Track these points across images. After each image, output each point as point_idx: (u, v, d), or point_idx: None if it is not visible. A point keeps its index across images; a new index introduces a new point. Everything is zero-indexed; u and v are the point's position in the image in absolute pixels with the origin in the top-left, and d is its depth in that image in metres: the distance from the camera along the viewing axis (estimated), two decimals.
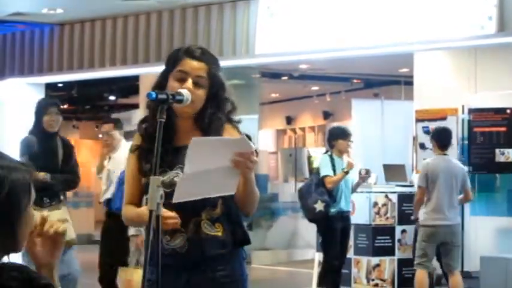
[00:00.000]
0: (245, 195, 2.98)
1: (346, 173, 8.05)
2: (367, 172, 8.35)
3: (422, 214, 7.65)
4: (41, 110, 6.72)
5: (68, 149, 6.98)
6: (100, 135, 8.06)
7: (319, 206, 7.92)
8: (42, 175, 6.45)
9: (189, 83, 3.03)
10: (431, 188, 7.56)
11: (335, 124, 8.83)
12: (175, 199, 2.81)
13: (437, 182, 7.54)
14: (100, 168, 8.14)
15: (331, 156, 8.12)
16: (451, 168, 7.67)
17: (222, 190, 2.91)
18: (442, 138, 7.75)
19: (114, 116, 17.36)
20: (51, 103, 6.86)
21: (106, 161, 8.01)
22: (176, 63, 3.08)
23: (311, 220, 8.27)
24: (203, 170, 2.77)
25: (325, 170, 8.02)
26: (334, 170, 8.04)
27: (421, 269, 7.61)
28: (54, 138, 6.86)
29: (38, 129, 6.68)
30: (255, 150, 2.81)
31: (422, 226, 7.61)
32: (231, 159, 2.77)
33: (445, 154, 7.71)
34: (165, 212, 2.83)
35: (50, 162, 6.68)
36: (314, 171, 8.32)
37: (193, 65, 3.06)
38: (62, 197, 6.84)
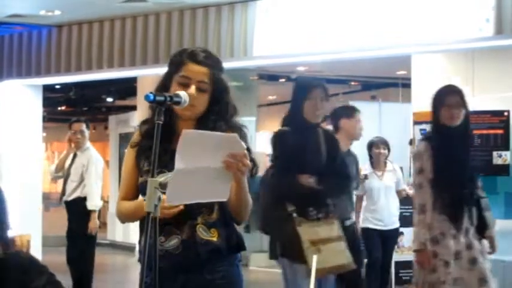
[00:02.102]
0: (237, 202, 2.97)
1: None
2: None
3: None
4: (303, 92, 5.32)
5: (333, 142, 5.43)
6: (71, 133, 8.15)
7: None
8: (306, 178, 4.98)
9: (192, 89, 3.03)
10: None
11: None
12: (168, 200, 2.78)
13: None
14: (60, 167, 8.22)
15: None
16: None
17: (214, 195, 2.87)
18: None
19: (111, 117, 17.39)
20: (317, 85, 5.40)
21: (68, 160, 8.14)
22: (179, 67, 3.07)
23: None
24: (194, 168, 2.73)
25: None
26: None
27: None
28: (315, 130, 5.29)
29: (296, 118, 5.23)
30: (248, 150, 2.80)
31: None
32: (223, 160, 2.75)
33: None
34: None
35: (313, 160, 5.13)
36: None
37: (196, 70, 3.05)
38: (331, 208, 5.22)
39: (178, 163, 2.72)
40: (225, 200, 2.90)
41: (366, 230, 8.17)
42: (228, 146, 2.75)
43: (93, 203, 7.94)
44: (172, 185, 2.74)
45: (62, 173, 8.26)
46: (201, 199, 2.89)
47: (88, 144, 8.23)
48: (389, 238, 8.28)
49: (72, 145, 8.21)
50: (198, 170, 2.74)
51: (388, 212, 8.30)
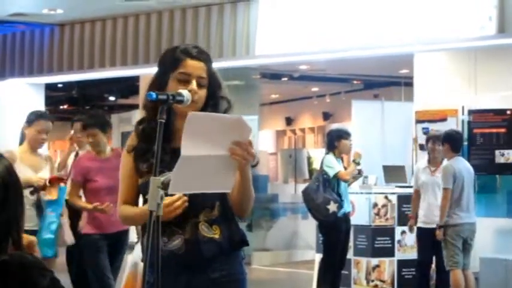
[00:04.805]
0: (240, 194, 2.96)
1: (357, 163, 8.08)
2: (359, 172, 8.40)
3: (447, 215, 7.69)
4: None
5: None
6: (72, 131, 8.12)
7: (332, 207, 7.90)
8: None
9: (194, 84, 3.02)
10: (459, 188, 7.68)
11: (334, 126, 8.75)
12: (172, 190, 2.74)
13: (464, 182, 7.71)
14: (62, 166, 8.20)
15: (334, 156, 8.12)
16: (468, 168, 7.89)
17: (218, 186, 2.85)
18: (455, 141, 7.89)
19: (113, 116, 17.39)
20: None
21: (70, 158, 8.11)
22: (176, 64, 3.05)
23: (321, 221, 8.20)
24: (199, 156, 2.71)
25: (336, 168, 8.01)
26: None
27: (457, 268, 7.67)
28: None
29: None
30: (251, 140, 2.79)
31: (451, 226, 7.65)
32: (229, 147, 2.73)
33: (459, 155, 7.90)
34: (167, 199, 2.82)
35: None
36: (319, 172, 8.24)
37: (195, 65, 3.05)
38: None
39: (184, 149, 2.69)
40: (228, 191, 2.90)
41: (417, 229, 8.08)
42: (234, 129, 2.74)
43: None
44: (177, 173, 2.71)
45: (64, 171, 8.24)
46: (205, 189, 2.87)
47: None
48: (434, 237, 7.80)
49: (74, 144, 8.20)
50: (203, 159, 2.72)
51: (431, 210, 7.97)
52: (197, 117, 2.73)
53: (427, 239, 7.96)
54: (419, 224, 8.10)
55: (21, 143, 6.60)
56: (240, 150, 2.74)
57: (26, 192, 6.18)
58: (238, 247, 3.13)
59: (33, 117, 6.48)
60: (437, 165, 8.06)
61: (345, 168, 8.16)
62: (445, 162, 7.92)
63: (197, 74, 3.04)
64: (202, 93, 3.05)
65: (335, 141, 8.15)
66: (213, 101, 3.08)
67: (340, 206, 7.92)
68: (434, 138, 8.11)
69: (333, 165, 8.01)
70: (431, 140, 8.11)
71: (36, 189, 6.24)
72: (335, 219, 7.92)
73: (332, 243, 8.12)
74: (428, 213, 8.00)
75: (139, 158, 3.10)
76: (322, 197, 7.92)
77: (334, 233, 8.05)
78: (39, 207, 6.25)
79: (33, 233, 5.94)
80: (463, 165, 7.84)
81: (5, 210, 1.99)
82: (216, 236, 3.04)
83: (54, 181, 6.17)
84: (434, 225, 7.82)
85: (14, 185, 2.04)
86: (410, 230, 8.35)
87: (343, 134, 8.18)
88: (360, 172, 8.41)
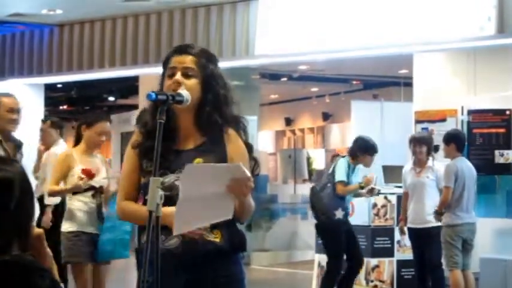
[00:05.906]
0: (240, 209, 2.98)
1: (362, 188, 8.00)
2: (378, 193, 8.37)
3: (447, 215, 7.72)
4: None
5: None
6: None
7: (339, 214, 7.88)
8: None
9: (178, 75, 3.07)
10: (460, 188, 7.71)
11: (363, 136, 8.43)
12: (176, 231, 2.82)
13: (465, 182, 7.74)
14: (37, 168, 8.21)
15: (348, 162, 8.05)
16: (470, 169, 7.91)
17: (219, 216, 2.89)
18: (460, 141, 7.94)
19: (113, 116, 17.39)
20: None
21: (42, 160, 8.13)
22: (167, 62, 3.13)
23: (322, 222, 8.12)
24: (198, 196, 2.74)
25: (341, 175, 7.95)
26: (347, 177, 8.01)
27: (456, 268, 7.69)
28: None
29: None
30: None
31: (451, 226, 7.69)
32: (226, 185, 2.76)
33: (462, 156, 7.94)
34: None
35: None
36: (332, 173, 8.13)
37: (180, 59, 3.10)
38: None
39: (182, 195, 2.73)
40: (229, 218, 2.91)
41: (408, 230, 8.17)
42: (232, 174, 2.76)
43: (51, 199, 7.75)
44: (178, 215, 2.75)
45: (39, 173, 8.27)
46: (207, 222, 2.92)
47: (59, 141, 8.21)
48: (422, 237, 7.98)
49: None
50: (202, 198, 2.76)
51: (418, 210, 8.04)
52: (193, 168, 2.78)
53: (418, 239, 8.06)
54: (408, 225, 8.14)
55: (76, 143, 6.39)
56: (238, 187, 2.77)
57: (88, 195, 6.12)
58: (238, 250, 3.14)
59: (93, 119, 6.35)
60: (423, 166, 8.08)
61: (361, 187, 8.08)
62: (448, 161, 7.95)
63: (181, 66, 3.08)
64: (191, 82, 3.07)
65: (358, 151, 8.06)
66: (210, 95, 3.09)
67: (346, 214, 7.94)
68: (415, 141, 8.12)
69: (341, 172, 7.95)
70: (413, 143, 8.11)
71: (97, 193, 6.16)
72: (337, 222, 7.91)
73: (332, 245, 8.10)
74: (417, 213, 8.04)
75: (144, 156, 3.11)
76: (332, 199, 7.88)
77: (335, 235, 8.02)
78: (100, 211, 6.16)
79: (94, 237, 5.94)
80: (465, 165, 7.87)
81: (19, 213, 2.01)
82: (217, 240, 3.05)
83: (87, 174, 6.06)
84: (423, 225, 7.93)
85: (29, 190, 2.08)
86: (401, 231, 8.34)
87: (370, 150, 8.04)
88: (379, 192, 8.39)
